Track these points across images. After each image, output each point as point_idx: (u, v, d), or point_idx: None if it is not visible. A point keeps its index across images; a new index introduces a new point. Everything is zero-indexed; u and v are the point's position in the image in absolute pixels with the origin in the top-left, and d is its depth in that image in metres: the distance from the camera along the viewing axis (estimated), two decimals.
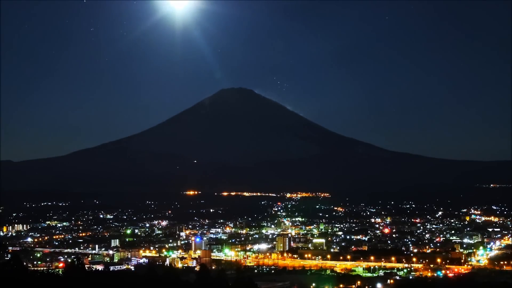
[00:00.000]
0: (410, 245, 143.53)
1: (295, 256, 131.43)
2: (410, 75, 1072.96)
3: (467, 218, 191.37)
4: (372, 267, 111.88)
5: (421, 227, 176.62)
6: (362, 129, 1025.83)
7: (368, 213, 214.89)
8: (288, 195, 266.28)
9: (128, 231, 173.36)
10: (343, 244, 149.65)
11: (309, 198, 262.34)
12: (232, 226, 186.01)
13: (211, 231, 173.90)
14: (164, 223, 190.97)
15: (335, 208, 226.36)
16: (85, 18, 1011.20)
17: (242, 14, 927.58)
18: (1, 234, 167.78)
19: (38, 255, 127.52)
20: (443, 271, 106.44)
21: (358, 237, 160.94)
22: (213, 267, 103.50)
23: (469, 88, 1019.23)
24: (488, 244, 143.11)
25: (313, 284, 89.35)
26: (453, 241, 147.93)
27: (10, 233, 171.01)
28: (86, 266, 76.84)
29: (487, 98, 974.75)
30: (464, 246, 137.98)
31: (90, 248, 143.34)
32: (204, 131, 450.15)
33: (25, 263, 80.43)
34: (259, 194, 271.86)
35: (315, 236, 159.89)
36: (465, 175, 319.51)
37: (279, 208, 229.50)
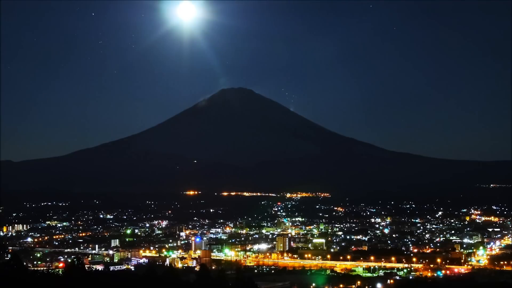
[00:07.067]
0: (410, 245, 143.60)
1: (295, 256, 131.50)
2: (410, 75, 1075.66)
3: (467, 218, 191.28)
4: (372, 267, 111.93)
5: (421, 227, 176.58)
6: (362, 129, 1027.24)
7: (368, 213, 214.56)
8: (288, 195, 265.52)
9: (128, 231, 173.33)
10: (343, 244, 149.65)
11: (309, 198, 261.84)
12: (232, 226, 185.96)
13: (211, 231, 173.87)
14: (164, 223, 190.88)
15: (335, 208, 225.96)
16: (93, 31, 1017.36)
17: (242, 15, 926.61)
18: (1, 234, 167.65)
19: (38, 255, 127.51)
20: (443, 271, 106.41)
21: (358, 237, 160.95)
22: (213, 267, 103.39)
23: (470, 88, 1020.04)
24: (488, 244, 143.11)
25: (313, 284, 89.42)
26: (453, 241, 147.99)
27: (10, 233, 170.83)
28: (86, 266, 76.71)
29: (488, 98, 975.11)
30: (464, 246, 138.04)
31: (90, 248, 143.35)
32: (204, 131, 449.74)
33: (25, 263, 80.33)
34: (259, 194, 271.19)
35: (315, 236, 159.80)
36: (465, 175, 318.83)
37: (279, 208, 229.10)
